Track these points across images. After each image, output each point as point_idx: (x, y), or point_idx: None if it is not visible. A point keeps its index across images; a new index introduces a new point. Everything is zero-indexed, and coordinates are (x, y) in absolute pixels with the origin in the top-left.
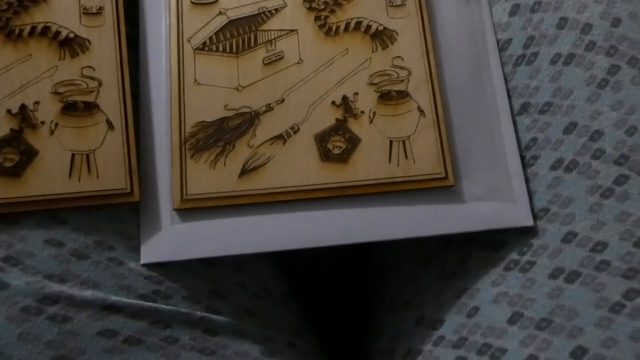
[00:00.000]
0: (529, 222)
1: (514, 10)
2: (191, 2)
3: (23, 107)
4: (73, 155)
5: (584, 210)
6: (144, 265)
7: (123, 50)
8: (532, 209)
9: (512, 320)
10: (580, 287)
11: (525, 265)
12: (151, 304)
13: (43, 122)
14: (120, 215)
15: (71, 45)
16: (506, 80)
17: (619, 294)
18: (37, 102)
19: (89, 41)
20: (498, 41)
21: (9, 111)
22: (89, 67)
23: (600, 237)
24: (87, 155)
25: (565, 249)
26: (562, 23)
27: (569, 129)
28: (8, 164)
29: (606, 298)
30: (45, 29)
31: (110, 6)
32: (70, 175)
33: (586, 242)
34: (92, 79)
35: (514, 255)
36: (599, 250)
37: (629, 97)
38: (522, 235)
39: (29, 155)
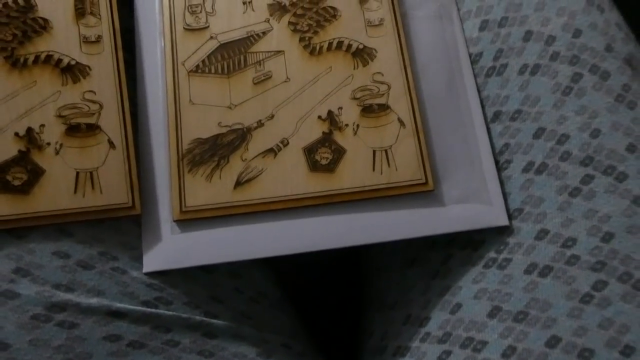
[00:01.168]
0: (505, 222)
1: (484, 26)
2: (184, 28)
3: (29, 130)
4: (77, 173)
5: (554, 209)
6: (146, 273)
7: (121, 75)
8: (507, 210)
9: (491, 314)
10: (552, 280)
11: (502, 263)
12: (153, 309)
13: (49, 143)
14: (122, 227)
15: (73, 71)
16: (479, 91)
17: (588, 285)
18: (42, 125)
19: (89, 67)
20: (470, 55)
21: (16, 134)
22: (90, 91)
23: (569, 233)
24: (91, 172)
25: (538, 245)
26: (527, 36)
27: (538, 133)
28: (17, 183)
29: (576, 290)
30: (48, 57)
31: (108, 34)
32: (75, 192)
33: (557, 239)
34: (94, 102)
35: (492, 254)
36: (569, 245)
37: (591, 102)
38: (498, 234)
39: (36, 174)
